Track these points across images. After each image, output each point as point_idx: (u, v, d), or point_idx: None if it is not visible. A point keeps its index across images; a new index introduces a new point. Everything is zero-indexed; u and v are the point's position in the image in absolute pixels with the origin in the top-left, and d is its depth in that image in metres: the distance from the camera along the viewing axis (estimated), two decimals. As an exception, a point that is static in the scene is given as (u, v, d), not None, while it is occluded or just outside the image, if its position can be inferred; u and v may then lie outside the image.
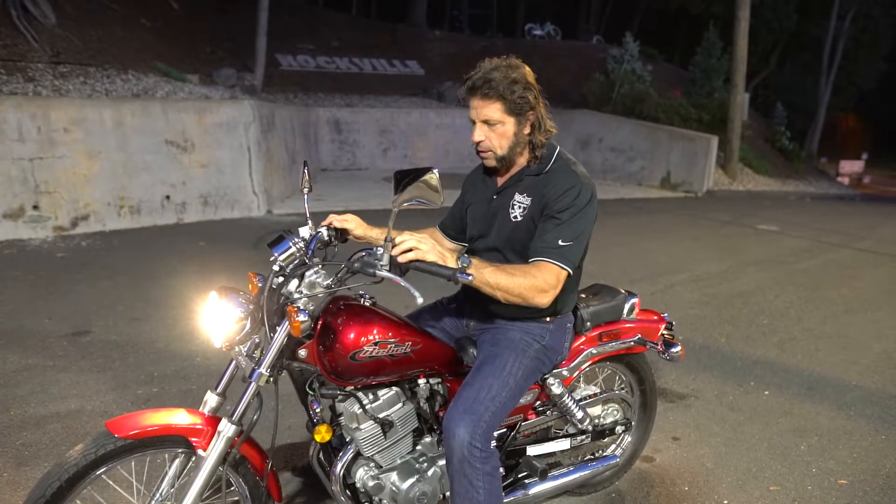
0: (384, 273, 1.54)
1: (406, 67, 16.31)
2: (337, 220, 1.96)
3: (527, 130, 1.81)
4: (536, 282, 1.67)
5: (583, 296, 2.20)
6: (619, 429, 2.35)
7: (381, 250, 1.56)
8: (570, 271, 1.73)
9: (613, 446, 2.47)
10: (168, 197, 7.07)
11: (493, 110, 1.77)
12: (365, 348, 1.69)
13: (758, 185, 15.00)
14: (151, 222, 6.94)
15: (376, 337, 1.70)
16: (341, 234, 1.99)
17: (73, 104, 6.53)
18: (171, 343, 3.77)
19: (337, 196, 8.99)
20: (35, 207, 6.19)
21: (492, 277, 1.63)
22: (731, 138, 14.20)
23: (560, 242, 1.71)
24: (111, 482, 1.69)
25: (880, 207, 13.97)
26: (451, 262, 1.57)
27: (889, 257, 7.61)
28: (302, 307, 1.61)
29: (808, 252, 7.59)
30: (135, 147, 6.76)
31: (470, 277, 1.56)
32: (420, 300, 1.48)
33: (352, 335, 1.68)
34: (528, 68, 1.81)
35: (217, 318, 1.67)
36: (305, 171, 2.00)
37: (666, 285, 5.61)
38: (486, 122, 1.79)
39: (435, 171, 1.49)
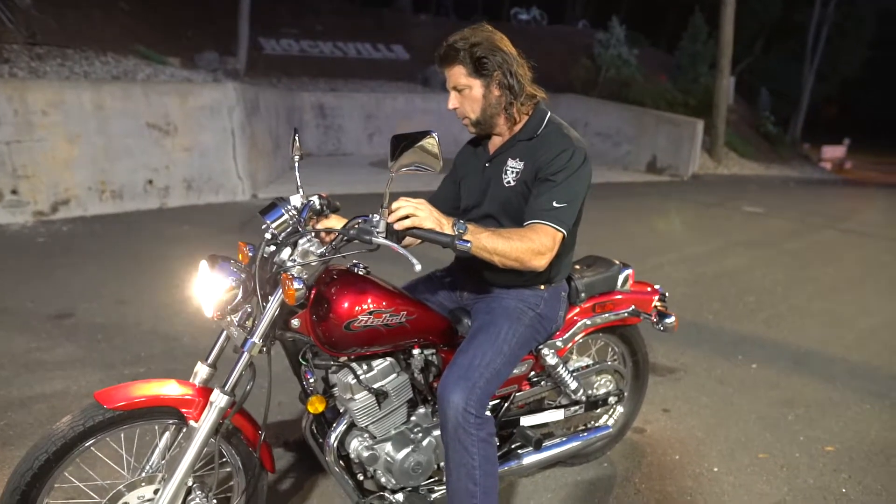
0: (381, 240, 1.50)
1: (391, 52, 16.12)
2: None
3: (496, 92, 1.78)
4: (533, 244, 1.65)
5: (577, 267, 2.20)
6: (611, 399, 2.36)
7: (377, 217, 1.52)
8: (565, 233, 1.71)
9: (606, 417, 2.48)
10: (151, 181, 6.95)
11: (458, 75, 1.77)
12: (359, 318, 1.66)
13: (742, 170, 15.13)
14: (134, 207, 6.82)
15: (371, 306, 1.68)
16: (332, 205, 1.96)
17: (51, 86, 6.36)
18: (158, 325, 3.72)
19: (321, 181, 8.89)
20: (14, 192, 6.05)
21: (489, 242, 1.61)
22: (717, 123, 14.28)
23: (555, 204, 1.69)
24: (100, 454, 1.65)
25: (861, 191, 14.16)
26: (448, 228, 1.54)
27: (872, 238, 7.73)
28: (296, 275, 1.58)
29: (793, 233, 7.68)
30: (116, 130, 6.61)
31: (468, 244, 1.52)
32: (418, 267, 1.44)
33: (346, 304, 1.65)
34: (497, 34, 1.78)
35: (208, 287, 1.64)
36: (296, 138, 1.95)
37: (654, 265, 5.64)
38: (455, 88, 1.80)
39: (434, 134, 1.45)
